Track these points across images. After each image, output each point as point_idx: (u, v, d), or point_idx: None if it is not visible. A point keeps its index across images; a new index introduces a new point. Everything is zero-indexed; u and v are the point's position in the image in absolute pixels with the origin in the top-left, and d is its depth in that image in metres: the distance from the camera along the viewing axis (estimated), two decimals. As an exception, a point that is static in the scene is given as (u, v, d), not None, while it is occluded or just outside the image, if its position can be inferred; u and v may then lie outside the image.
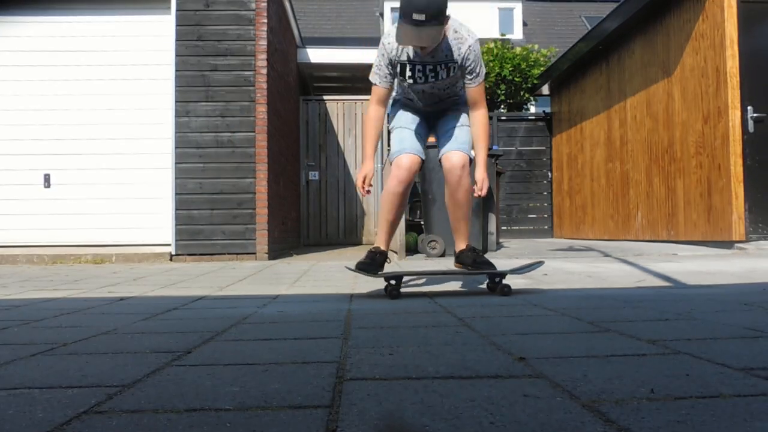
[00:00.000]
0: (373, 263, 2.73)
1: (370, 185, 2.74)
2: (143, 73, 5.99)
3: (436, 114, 2.95)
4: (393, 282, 2.63)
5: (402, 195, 2.79)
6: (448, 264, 4.43)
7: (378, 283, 3.14)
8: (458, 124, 2.85)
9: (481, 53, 2.74)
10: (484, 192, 2.75)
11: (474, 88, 2.74)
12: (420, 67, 2.69)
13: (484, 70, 2.76)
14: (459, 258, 2.87)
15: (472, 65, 2.68)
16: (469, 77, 2.72)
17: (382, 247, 2.82)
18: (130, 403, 1.05)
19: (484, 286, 2.87)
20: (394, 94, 2.95)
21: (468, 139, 2.83)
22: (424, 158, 2.85)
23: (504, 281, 2.68)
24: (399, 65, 2.71)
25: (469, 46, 2.66)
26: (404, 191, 2.79)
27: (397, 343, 1.55)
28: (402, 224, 5.40)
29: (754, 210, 5.32)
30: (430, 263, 4.76)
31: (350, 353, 1.43)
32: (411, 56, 2.67)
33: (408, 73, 2.72)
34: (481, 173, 2.78)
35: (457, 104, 2.91)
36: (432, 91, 2.80)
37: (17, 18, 5.98)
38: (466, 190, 2.79)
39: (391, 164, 2.84)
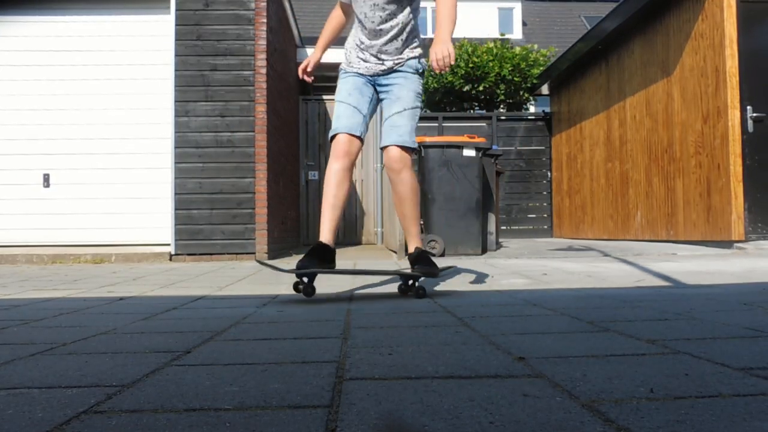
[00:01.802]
0: (311, 259, 2.50)
1: (308, 72, 2.77)
2: (143, 73, 5.99)
3: (384, 87, 2.70)
4: (306, 279, 2.49)
5: (338, 174, 2.59)
6: (447, 263, 4.43)
7: (381, 284, 3.14)
8: (400, 109, 2.61)
9: None
10: (436, 66, 2.41)
11: None
12: None
13: None
14: (410, 259, 2.69)
15: None
16: None
17: (324, 239, 2.56)
18: (130, 403, 1.05)
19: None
20: (344, 59, 2.79)
21: (408, 125, 2.60)
22: (361, 135, 2.63)
23: (418, 286, 2.58)
24: None
25: None
26: (340, 171, 2.59)
27: (396, 343, 1.55)
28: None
29: (754, 210, 5.32)
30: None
31: (350, 353, 1.43)
32: None
33: None
34: (439, 49, 2.42)
35: (403, 73, 2.65)
36: (375, 16, 2.60)
37: (17, 18, 5.97)
38: (408, 187, 2.62)
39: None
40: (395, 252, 5.41)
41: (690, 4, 5.90)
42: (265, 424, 0.92)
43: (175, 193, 5.67)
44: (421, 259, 2.64)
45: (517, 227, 9.91)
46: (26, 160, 5.92)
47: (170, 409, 1.01)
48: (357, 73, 2.73)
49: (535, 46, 11.96)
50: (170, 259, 5.61)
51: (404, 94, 2.63)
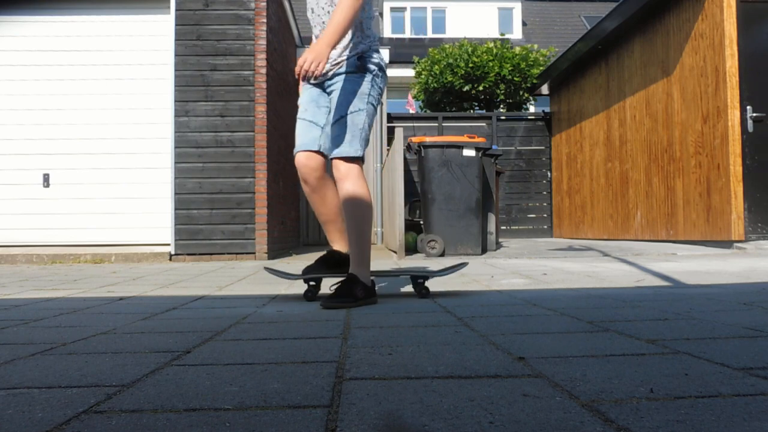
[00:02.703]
0: (322, 266, 2.52)
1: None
2: (142, 73, 5.99)
3: (329, 92, 2.54)
4: (312, 284, 2.55)
5: (312, 197, 2.52)
6: (447, 263, 4.43)
7: (380, 284, 3.14)
8: (336, 117, 2.41)
9: None
10: (299, 70, 2.23)
11: None
12: None
13: None
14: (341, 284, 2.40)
15: None
16: None
17: (335, 248, 2.58)
18: (130, 403, 1.05)
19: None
20: None
21: (349, 135, 2.39)
22: (318, 148, 2.47)
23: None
24: None
25: None
26: (312, 194, 2.52)
27: (396, 343, 1.55)
28: (401, 223, 5.41)
29: (753, 210, 5.32)
30: (429, 263, 4.76)
31: (349, 353, 1.43)
32: None
33: None
34: (305, 54, 2.25)
35: (343, 74, 2.45)
36: (316, 22, 2.48)
37: (16, 17, 5.97)
38: (356, 203, 2.38)
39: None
40: (395, 252, 5.41)
41: (690, 4, 5.91)
42: (265, 424, 0.92)
43: (175, 193, 5.67)
44: (339, 290, 2.33)
45: (516, 227, 9.91)
46: (26, 160, 5.92)
47: (170, 409, 1.01)
48: (311, 83, 2.59)
49: (535, 46, 11.96)
50: (170, 259, 5.61)
51: (342, 99, 2.43)
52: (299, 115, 2.56)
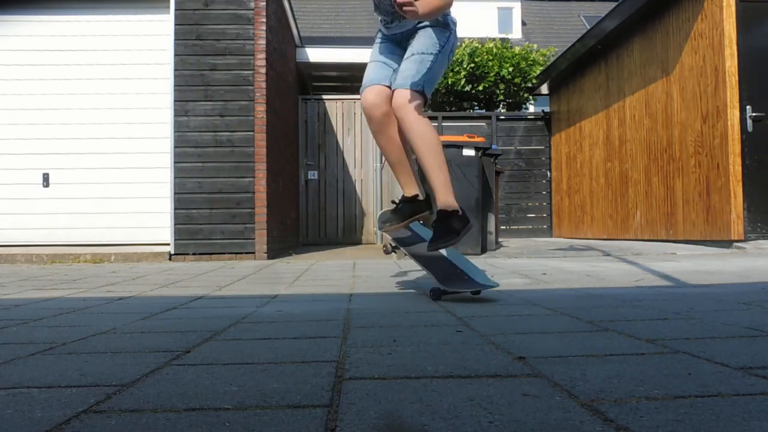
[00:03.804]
0: (395, 213, 2.57)
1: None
2: (142, 73, 5.98)
3: (408, 45, 2.55)
4: (392, 244, 2.66)
5: (378, 134, 2.50)
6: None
7: (380, 284, 3.14)
8: (408, 55, 2.44)
9: None
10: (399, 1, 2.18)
11: None
12: None
13: None
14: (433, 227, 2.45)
15: None
16: None
17: (406, 193, 2.56)
18: (129, 403, 1.05)
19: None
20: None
21: (413, 68, 2.38)
22: (387, 84, 2.47)
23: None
24: None
25: None
26: (378, 127, 2.48)
27: (396, 343, 1.55)
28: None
29: (753, 209, 5.32)
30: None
31: (349, 352, 1.43)
32: None
33: None
34: None
35: (423, 27, 2.48)
36: None
37: (16, 17, 5.97)
38: (418, 135, 2.35)
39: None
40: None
41: (689, 4, 5.91)
42: (265, 423, 0.92)
43: (175, 193, 5.67)
44: (439, 230, 2.38)
45: (516, 227, 9.91)
46: (26, 160, 5.92)
47: (170, 408, 1.01)
48: (384, 36, 2.61)
49: (535, 46, 11.97)
50: (170, 259, 5.61)
51: (419, 41, 2.45)
52: (371, 59, 2.57)
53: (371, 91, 2.47)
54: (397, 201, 2.63)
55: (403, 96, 2.35)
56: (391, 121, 2.46)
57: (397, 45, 2.60)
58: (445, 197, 2.41)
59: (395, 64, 2.52)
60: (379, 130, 2.49)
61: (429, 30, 2.48)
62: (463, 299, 2.47)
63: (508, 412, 0.95)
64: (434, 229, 2.39)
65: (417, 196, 2.59)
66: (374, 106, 2.46)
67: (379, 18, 2.61)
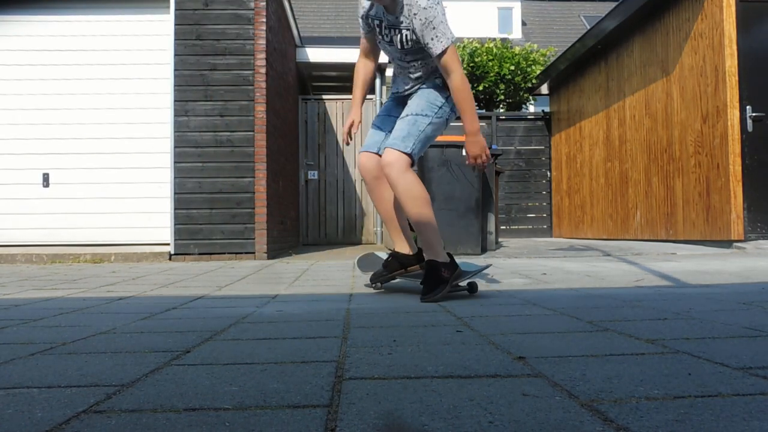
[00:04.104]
0: (386, 267, 2.77)
1: (350, 135, 2.75)
2: (142, 73, 5.98)
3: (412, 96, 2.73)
4: (380, 285, 2.85)
5: (371, 192, 2.74)
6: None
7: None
8: (404, 114, 2.59)
9: (438, 16, 2.38)
10: (476, 162, 2.49)
11: (438, 56, 2.41)
12: (386, 24, 2.52)
13: (446, 34, 2.39)
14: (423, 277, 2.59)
15: (422, 31, 2.38)
16: (427, 44, 2.40)
17: (396, 248, 2.76)
18: (129, 403, 1.05)
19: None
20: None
21: (405, 129, 2.51)
22: (377, 151, 2.68)
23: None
24: (370, 19, 2.61)
25: (415, 14, 2.37)
26: (370, 188, 2.72)
27: (396, 343, 1.55)
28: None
29: (753, 209, 5.32)
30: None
31: (349, 353, 1.43)
32: (378, 12, 2.55)
33: (376, 29, 2.60)
34: (472, 147, 2.49)
35: (422, 88, 2.65)
36: (401, 63, 2.61)
37: (16, 17, 5.97)
38: (402, 192, 2.47)
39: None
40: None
41: (689, 4, 5.91)
42: (265, 423, 0.92)
43: (175, 193, 5.67)
44: (428, 283, 2.48)
45: (516, 227, 9.91)
46: (26, 160, 5.92)
47: (170, 408, 1.01)
48: (393, 94, 2.81)
49: (535, 46, 11.97)
50: (170, 259, 5.61)
51: (415, 101, 2.61)
52: (374, 122, 2.80)
53: (364, 157, 2.71)
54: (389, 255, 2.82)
55: (389, 155, 2.50)
56: (382, 183, 2.69)
57: (397, 105, 2.78)
58: (435, 252, 2.52)
59: (389, 127, 2.71)
60: (371, 190, 2.73)
61: (429, 91, 2.62)
62: (463, 299, 2.47)
63: (508, 412, 0.95)
64: (424, 282, 2.50)
65: (407, 252, 2.75)
66: (366, 171, 2.70)
67: (396, 82, 2.77)
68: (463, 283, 2.60)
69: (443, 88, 2.59)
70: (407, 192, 2.48)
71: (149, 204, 5.92)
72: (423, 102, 2.57)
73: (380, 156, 2.65)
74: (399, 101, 2.78)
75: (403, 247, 2.74)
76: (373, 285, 2.90)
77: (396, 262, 2.74)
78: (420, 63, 2.58)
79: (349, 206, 8.93)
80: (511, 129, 10.00)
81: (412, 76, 2.64)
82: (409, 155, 2.49)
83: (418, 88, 2.66)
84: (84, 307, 2.41)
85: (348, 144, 2.89)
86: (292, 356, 1.40)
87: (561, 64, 9.00)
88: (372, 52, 2.82)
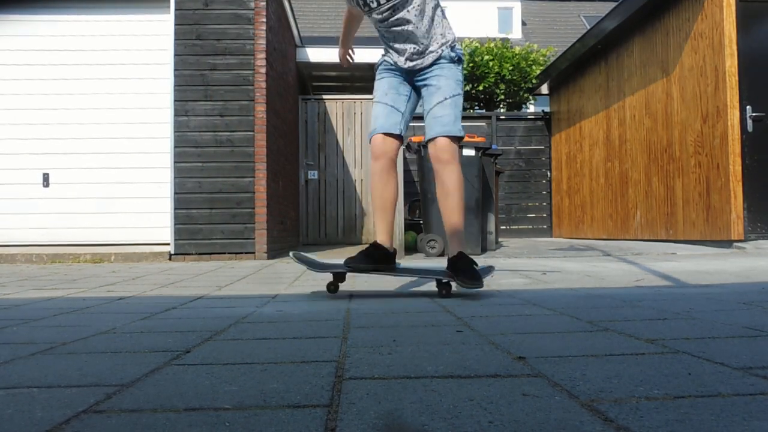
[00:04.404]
0: (366, 259, 2.59)
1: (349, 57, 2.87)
2: (142, 72, 5.98)
3: (422, 81, 2.69)
4: (337, 274, 2.63)
5: (378, 175, 2.63)
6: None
7: (380, 284, 3.14)
8: (441, 98, 2.58)
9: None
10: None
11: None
12: None
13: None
14: (452, 266, 2.56)
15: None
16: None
17: (378, 240, 2.65)
18: (129, 403, 1.05)
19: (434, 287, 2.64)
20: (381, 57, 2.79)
21: (452, 113, 2.56)
22: (400, 133, 2.63)
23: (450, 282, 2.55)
24: None
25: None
26: (379, 171, 2.62)
27: (396, 343, 1.55)
28: (401, 223, 5.40)
29: (753, 209, 5.32)
30: (429, 262, 4.76)
31: (349, 352, 1.43)
32: None
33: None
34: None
35: (440, 64, 2.63)
36: (400, 28, 2.57)
37: (15, 17, 5.97)
38: (456, 179, 2.56)
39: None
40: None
41: (689, 4, 5.90)
42: (265, 423, 0.92)
43: (175, 193, 5.67)
44: (464, 270, 2.49)
45: (516, 227, 9.91)
46: (26, 159, 5.92)
47: (170, 408, 1.01)
48: (393, 70, 2.71)
49: (535, 46, 11.97)
50: (169, 259, 5.61)
51: (443, 83, 2.59)
52: (378, 98, 2.68)
53: (381, 140, 2.62)
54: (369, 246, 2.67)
55: (451, 149, 2.54)
56: (393, 167, 2.64)
57: (403, 81, 2.71)
58: (462, 247, 2.59)
59: (402, 105, 2.67)
60: (381, 173, 2.63)
61: (450, 67, 2.63)
62: (463, 299, 2.47)
63: (508, 412, 0.95)
64: (462, 271, 2.48)
65: (388, 247, 2.67)
66: (383, 153, 2.62)
67: (392, 49, 2.69)
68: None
69: (458, 60, 2.65)
70: (462, 181, 2.58)
71: (149, 204, 5.92)
72: (452, 82, 2.60)
73: (398, 140, 2.62)
74: (399, 74, 2.70)
75: (386, 242, 2.65)
76: (346, 268, 2.63)
77: (379, 254, 2.62)
78: (418, 22, 2.55)
79: (349, 206, 8.93)
80: (511, 129, 10.00)
81: (409, 39, 2.59)
82: (462, 137, 2.62)
83: (434, 65, 2.62)
84: (84, 307, 2.41)
85: (349, 64, 2.94)
86: (292, 356, 1.40)
87: (561, 64, 9.00)
88: (357, 17, 2.87)
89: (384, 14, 2.57)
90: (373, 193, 2.66)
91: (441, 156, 2.56)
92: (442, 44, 2.63)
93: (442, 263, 4.16)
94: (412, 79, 2.71)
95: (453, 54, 2.63)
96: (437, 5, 2.65)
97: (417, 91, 2.74)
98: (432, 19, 2.60)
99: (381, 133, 2.62)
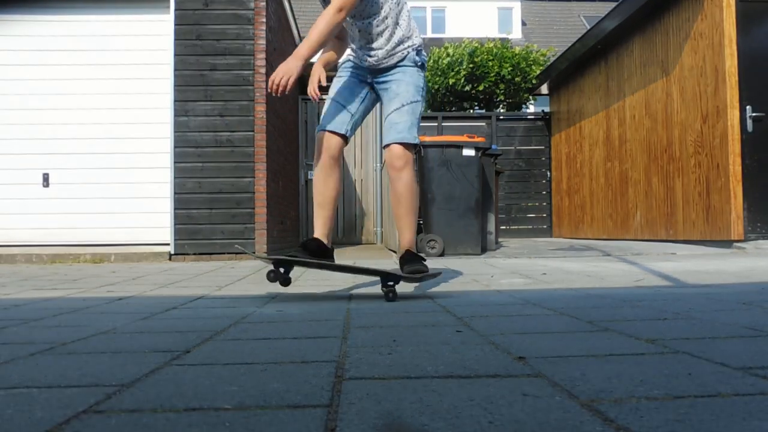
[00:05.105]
0: (303, 251, 2.57)
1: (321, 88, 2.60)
2: (142, 73, 5.98)
3: (382, 83, 2.69)
4: (282, 270, 2.56)
5: (320, 172, 2.62)
6: (446, 263, 4.43)
7: (377, 281, 3.14)
8: (398, 105, 2.59)
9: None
10: (271, 85, 2.35)
11: None
12: None
13: None
14: (400, 261, 2.63)
15: None
16: None
17: (316, 235, 2.64)
18: (129, 403, 1.05)
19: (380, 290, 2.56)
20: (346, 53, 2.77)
21: (408, 120, 2.57)
22: (345, 133, 2.62)
23: (394, 285, 2.48)
24: None
25: None
26: (322, 168, 2.61)
27: (396, 343, 1.55)
28: (396, 225, 5.40)
29: (753, 209, 5.32)
30: (428, 262, 4.75)
31: (349, 352, 1.43)
32: None
33: None
34: (283, 67, 2.37)
35: (402, 67, 2.63)
36: (365, 24, 2.57)
37: (16, 17, 5.97)
38: (408, 186, 2.60)
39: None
40: (395, 252, 5.41)
41: (689, 4, 5.91)
42: (265, 423, 0.92)
43: (175, 193, 5.67)
44: (410, 260, 2.57)
45: (516, 227, 9.91)
46: (26, 160, 5.92)
47: (169, 408, 1.01)
48: (352, 69, 2.72)
49: (535, 46, 11.97)
50: (169, 259, 5.61)
51: (402, 89, 2.61)
52: (331, 95, 2.69)
53: (326, 138, 2.62)
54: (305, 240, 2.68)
55: (404, 155, 2.57)
56: (337, 165, 2.64)
57: (362, 82, 2.70)
58: (413, 245, 2.65)
59: (354, 106, 2.67)
60: (323, 170, 2.63)
61: (413, 72, 2.63)
62: (463, 299, 2.47)
63: (508, 412, 0.95)
64: (408, 263, 2.56)
65: (326, 243, 2.67)
66: (326, 150, 2.62)
67: (357, 47, 2.68)
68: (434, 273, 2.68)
69: (421, 66, 2.65)
70: (412, 186, 2.61)
71: (149, 204, 5.92)
72: (411, 88, 2.61)
73: (344, 139, 2.62)
74: (359, 75, 2.71)
75: (324, 238, 2.65)
76: (275, 262, 2.60)
77: (317, 247, 2.59)
78: (378, 24, 2.56)
79: (349, 206, 8.93)
80: (511, 129, 10.00)
81: (376, 39, 2.59)
82: (417, 145, 2.64)
83: (396, 67, 2.63)
84: (84, 307, 2.41)
85: (316, 101, 2.76)
86: (292, 356, 1.40)
87: (561, 64, 9.00)
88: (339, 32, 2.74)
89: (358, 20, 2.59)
90: (314, 190, 2.67)
91: (394, 163, 2.59)
92: (408, 46, 2.64)
93: (441, 263, 4.17)
94: (373, 80, 2.72)
95: (417, 58, 2.64)
96: (404, 6, 2.66)
97: (376, 93, 2.74)
98: (397, 20, 2.62)
99: (326, 130, 2.62)
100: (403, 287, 2.99)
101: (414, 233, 2.67)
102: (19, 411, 1.01)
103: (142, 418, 0.96)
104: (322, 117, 2.68)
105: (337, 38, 2.80)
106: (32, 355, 1.49)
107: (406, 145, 2.59)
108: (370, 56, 2.65)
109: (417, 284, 2.86)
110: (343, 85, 2.70)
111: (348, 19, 2.59)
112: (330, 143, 2.61)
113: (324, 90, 2.69)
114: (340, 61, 2.81)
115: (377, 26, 2.59)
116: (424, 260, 2.62)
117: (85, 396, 1.10)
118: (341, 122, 2.63)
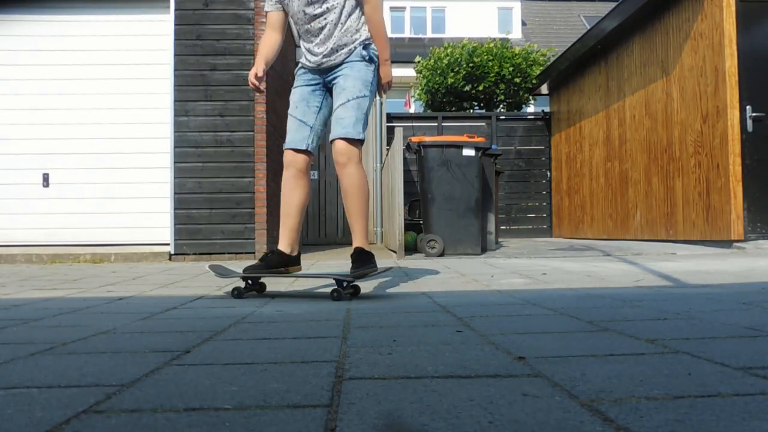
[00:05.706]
0: (263, 265, 2.66)
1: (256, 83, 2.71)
2: (142, 73, 5.99)
3: (332, 80, 2.71)
4: (249, 282, 2.67)
5: (287, 183, 2.71)
6: (447, 263, 4.44)
7: (380, 283, 3.14)
8: (343, 100, 2.60)
9: None
10: (386, 87, 2.73)
11: None
12: None
13: None
14: (352, 258, 2.64)
15: None
16: None
17: (279, 246, 2.72)
18: (129, 403, 1.05)
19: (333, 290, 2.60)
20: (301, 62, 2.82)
21: (353, 116, 2.57)
22: (306, 148, 2.70)
23: (349, 286, 2.54)
24: None
25: None
26: (288, 180, 2.70)
27: (396, 343, 1.55)
28: (401, 223, 5.41)
29: (753, 209, 5.32)
30: (428, 262, 4.76)
31: (349, 352, 1.43)
32: None
33: None
34: (386, 72, 2.72)
35: (350, 63, 2.65)
36: (312, 19, 2.63)
37: (16, 16, 5.97)
38: (353, 182, 2.59)
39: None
40: (395, 252, 5.41)
41: (689, 4, 5.91)
42: (265, 423, 0.92)
43: (175, 193, 5.67)
44: (357, 260, 2.57)
45: (516, 227, 9.91)
46: (26, 160, 5.92)
47: (170, 408, 1.01)
48: (307, 75, 2.76)
49: (535, 46, 11.97)
50: (169, 259, 5.61)
51: (349, 84, 2.61)
52: (291, 111, 2.75)
53: (290, 155, 2.71)
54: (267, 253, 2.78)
55: (347, 147, 2.57)
56: (302, 176, 2.71)
57: (316, 89, 2.73)
58: (365, 242, 2.63)
59: (311, 118, 2.72)
60: (288, 182, 2.71)
61: (360, 67, 2.64)
62: (463, 299, 2.47)
63: (508, 412, 0.95)
64: (355, 260, 2.57)
65: (289, 253, 2.74)
66: (291, 166, 2.70)
67: (306, 47, 2.72)
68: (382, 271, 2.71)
69: (369, 59, 2.65)
70: (360, 183, 2.60)
71: (149, 204, 5.92)
72: (358, 83, 2.61)
73: (306, 154, 2.70)
74: (312, 81, 2.74)
75: (287, 247, 2.72)
76: (243, 279, 2.72)
77: (277, 259, 2.69)
78: (328, 14, 2.61)
79: (349, 206, 8.93)
80: (511, 129, 10.00)
81: (322, 35, 2.63)
82: (361, 142, 2.62)
83: (343, 63, 2.65)
84: (84, 307, 2.41)
85: (260, 92, 2.83)
86: (292, 356, 1.40)
87: (561, 64, 9.00)
88: (280, 23, 2.80)
89: (305, 7, 2.63)
90: (281, 200, 2.74)
91: (338, 159, 2.60)
92: (355, 40, 2.65)
93: (440, 262, 4.17)
94: (325, 79, 2.73)
95: (364, 53, 2.64)
96: (356, 4, 2.67)
97: (331, 93, 2.76)
98: (349, 16, 2.64)
99: (289, 148, 2.71)
100: (403, 288, 2.99)
101: (365, 230, 2.64)
102: (19, 411, 1.01)
103: (142, 418, 0.96)
104: (287, 134, 2.75)
105: (272, 29, 2.83)
106: (32, 355, 1.49)
107: (351, 141, 2.57)
108: (320, 55, 2.68)
109: (414, 281, 2.86)
110: (298, 97, 2.74)
111: (299, 14, 2.65)
112: (295, 159, 2.70)
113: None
114: (296, 69, 2.83)
115: (330, 24, 2.63)
116: (373, 256, 2.61)
117: (85, 396, 1.10)
118: (301, 139, 2.70)
